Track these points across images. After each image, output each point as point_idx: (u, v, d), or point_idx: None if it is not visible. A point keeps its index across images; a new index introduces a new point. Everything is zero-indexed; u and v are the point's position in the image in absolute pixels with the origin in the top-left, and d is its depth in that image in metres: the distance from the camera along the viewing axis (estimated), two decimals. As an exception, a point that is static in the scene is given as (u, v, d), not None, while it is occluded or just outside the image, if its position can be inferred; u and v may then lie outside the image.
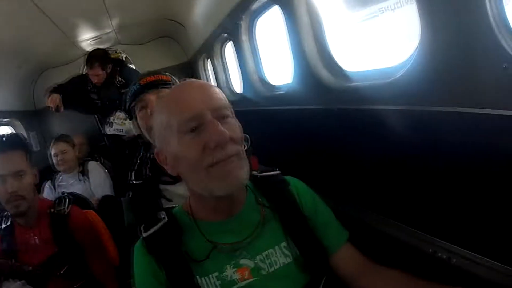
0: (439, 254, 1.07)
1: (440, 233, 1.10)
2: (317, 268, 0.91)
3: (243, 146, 0.82)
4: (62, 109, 3.04)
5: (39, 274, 1.51)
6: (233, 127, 0.81)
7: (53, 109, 3.01)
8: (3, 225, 1.60)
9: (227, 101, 0.84)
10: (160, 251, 0.85)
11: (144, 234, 0.87)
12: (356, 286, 0.92)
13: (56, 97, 2.99)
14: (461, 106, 0.90)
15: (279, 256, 0.89)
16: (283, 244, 0.90)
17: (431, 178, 1.09)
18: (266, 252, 0.88)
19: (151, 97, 1.32)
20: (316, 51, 1.55)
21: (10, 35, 2.67)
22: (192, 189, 0.86)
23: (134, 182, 1.35)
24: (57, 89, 3.09)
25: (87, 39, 3.69)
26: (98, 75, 3.17)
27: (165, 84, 1.34)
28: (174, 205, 1.21)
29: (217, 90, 0.85)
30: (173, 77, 1.42)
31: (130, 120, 1.43)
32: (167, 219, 0.89)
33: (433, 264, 1.08)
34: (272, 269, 0.87)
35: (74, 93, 3.17)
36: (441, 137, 1.02)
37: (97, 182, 2.89)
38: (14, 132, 3.50)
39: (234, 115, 0.84)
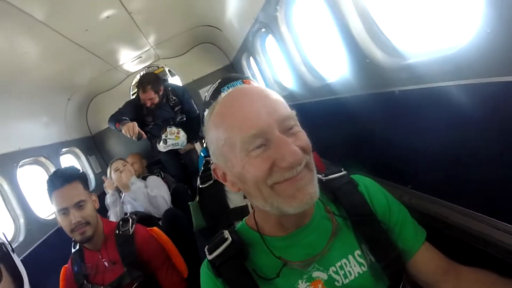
0: None
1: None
2: (395, 273, 0.89)
3: (311, 155, 0.80)
4: (144, 134, 3.24)
5: None
6: (301, 137, 0.78)
7: (136, 138, 3.14)
8: (73, 250, 1.82)
9: (289, 108, 0.81)
10: (227, 273, 0.87)
11: (209, 257, 0.90)
12: None
13: (133, 125, 3.15)
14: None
15: (353, 265, 0.88)
16: (357, 252, 0.90)
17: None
18: (339, 263, 0.88)
19: None
20: (364, 30, 1.51)
21: (56, 71, 3.03)
22: (257, 206, 0.85)
23: (200, 186, 1.46)
24: (117, 116, 3.39)
25: (128, 61, 4.04)
26: (151, 98, 3.47)
27: None
28: (241, 204, 1.31)
29: (279, 96, 0.82)
30: None
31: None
32: (231, 239, 0.90)
33: None
34: (347, 280, 0.87)
35: (131, 117, 3.44)
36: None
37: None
38: (75, 160, 3.95)
39: (297, 122, 0.81)
